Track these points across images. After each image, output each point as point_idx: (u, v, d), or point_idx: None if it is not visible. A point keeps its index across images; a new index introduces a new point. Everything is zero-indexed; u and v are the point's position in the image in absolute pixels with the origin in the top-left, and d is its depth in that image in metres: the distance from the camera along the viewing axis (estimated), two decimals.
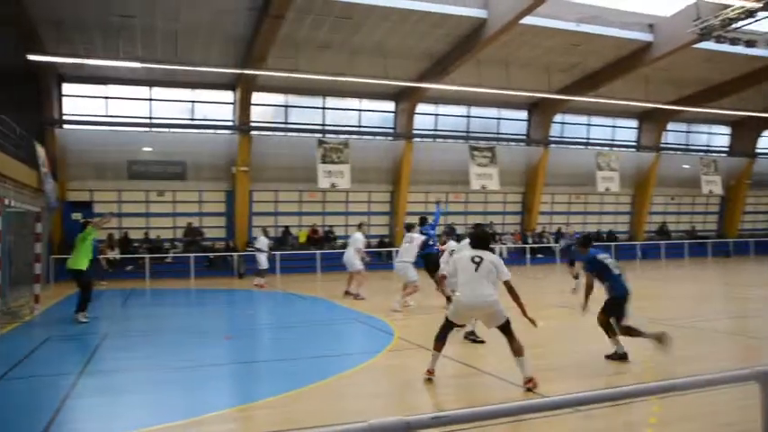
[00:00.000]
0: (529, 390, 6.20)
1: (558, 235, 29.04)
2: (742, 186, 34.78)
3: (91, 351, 8.84)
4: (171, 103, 24.68)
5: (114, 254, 22.58)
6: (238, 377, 7.69)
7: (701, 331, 10.04)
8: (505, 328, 6.62)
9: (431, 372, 6.76)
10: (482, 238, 7.28)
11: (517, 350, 6.51)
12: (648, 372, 7.28)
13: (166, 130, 24.28)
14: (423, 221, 14.20)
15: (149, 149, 24.32)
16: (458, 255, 7.52)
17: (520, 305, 6.61)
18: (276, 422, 5.46)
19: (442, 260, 10.82)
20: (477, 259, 6.76)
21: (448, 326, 6.97)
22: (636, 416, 5.22)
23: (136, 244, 23.77)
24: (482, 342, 9.00)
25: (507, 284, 6.70)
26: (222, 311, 14.69)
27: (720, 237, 34.61)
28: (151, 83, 23.84)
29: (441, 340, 6.90)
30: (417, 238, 13.16)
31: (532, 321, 6.62)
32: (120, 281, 21.14)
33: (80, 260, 11.67)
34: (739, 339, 9.61)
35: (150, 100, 24.31)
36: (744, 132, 34.64)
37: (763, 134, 35.09)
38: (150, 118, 24.23)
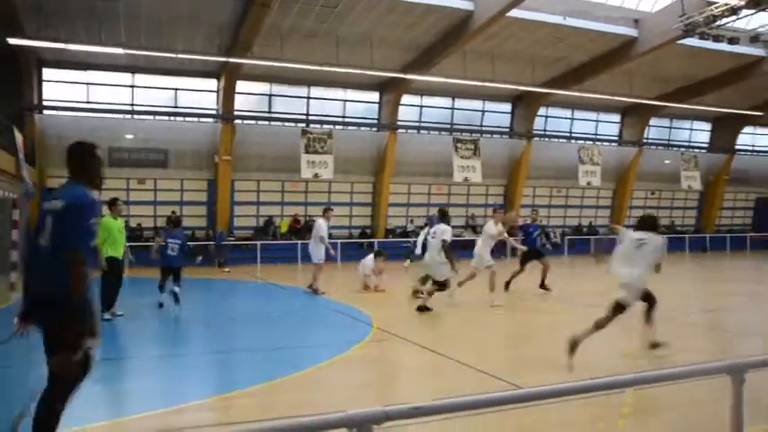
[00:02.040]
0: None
1: None
2: (720, 182, 35.20)
3: None
4: (153, 91, 24.48)
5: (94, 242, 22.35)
6: (217, 366, 7.66)
7: (677, 325, 10.17)
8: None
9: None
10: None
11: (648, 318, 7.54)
12: (623, 364, 7.36)
13: (149, 117, 24.08)
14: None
15: (131, 137, 24.11)
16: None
17: None
18: (255, 412, 5.45)
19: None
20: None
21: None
22: (610, 407, 5.28)
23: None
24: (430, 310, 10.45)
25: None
26: (201, 301, 14.60)
27: (698, 232, 35.05)
28: (133, 69, 23.62)
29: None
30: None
31: None
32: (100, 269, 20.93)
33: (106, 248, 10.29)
34: (714, 333, 9.74)
35: (132, 87, 24.10)
36: (724, 129, 35.05)
37: (742, 131, 35.52)
38: (132, 105, 24.03)
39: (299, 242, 23.56)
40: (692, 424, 5.13)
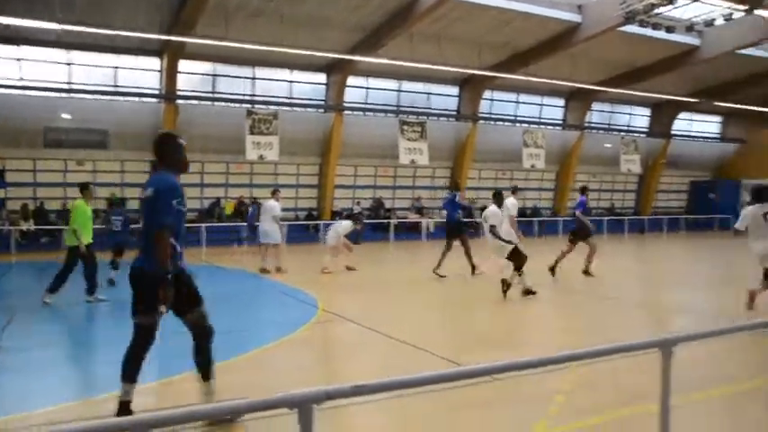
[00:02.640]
0: None
1: None
2: (658, 166, 36.39)
3: (1, 327, 8.46)
4: (92, 69, 23.55)
5: (28, 225, 21.61)
6: (158, 350, 7.49)
7: (615, 302, 10.52)
8: None
9: None
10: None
11: None
12: (561, 341, 7.58)
13: (87, 96, 23.20)
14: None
15: (68, 116, 23.19)
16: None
17: None
18: (197, 396, 5.40)
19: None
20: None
21: None
22: (550, 383, 5.44)
23: (53, 215, 22.78)
24: (535, 293, 10.45)
25: None
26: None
27: (637, 214, 36.19)
28: (70, 46, 22.64)
29: None
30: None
31: None
32: (34, 253, 20.28)
33: (69, 235, 10.40)
34: (649, 310, 10.12)
35: (69, 64, 23.14)
36: (662, 114, 36.16)
37: (679, 117, 36.75)
38: (69, 83, 23.11)
39: (245, 224, 23.24)
40: (626, 396, 5.33)
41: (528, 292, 10.54)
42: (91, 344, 7.79)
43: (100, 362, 6.89)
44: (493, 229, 10.77)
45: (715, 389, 5.56)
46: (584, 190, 14.64)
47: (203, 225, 23.28)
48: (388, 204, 29.35)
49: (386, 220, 27.57)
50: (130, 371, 4.65)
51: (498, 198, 11.20)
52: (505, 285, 10.53)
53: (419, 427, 4.74)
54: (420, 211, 29.58)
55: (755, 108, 33.60)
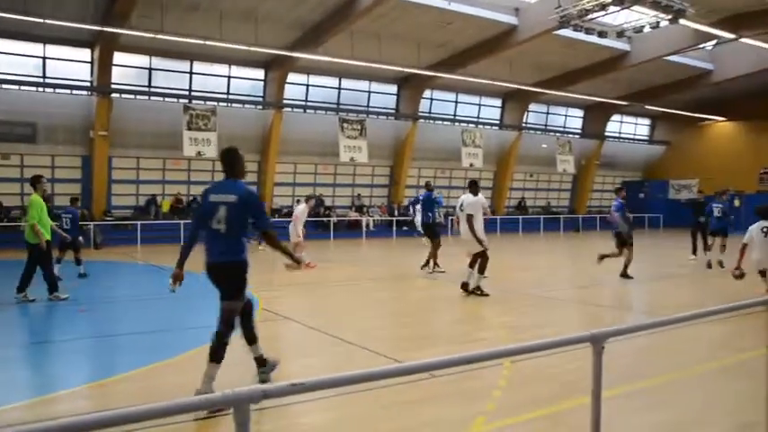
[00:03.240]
0: None
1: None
2: (591, 166, 37.55)
3: None
4: (19, 58, 22.60)
5: None
6: (94, 352, 7.32)
7: (551, 300, 10.81)
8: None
9: None
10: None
11: None
12: (500, 338, 7.74)
13: (13, 87, 22.23)
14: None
15: None
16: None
17: None
18: (134, 397, 5.29)
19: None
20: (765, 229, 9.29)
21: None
22: (488, 379, 5.55)
23: None
24: (487, 295, 10.42)
25: None
26: (76, 283, 13.83)
27: (572, 212, 37.24)
28: None
29: None
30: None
31: None
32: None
33: (28, 232, 9.97)
34: (584, 306, 10.43)
35: None
36: (595, 116, 37.32)
37: (611, 119, 38.01)
38: None
39: (182, 222, 22.80)
40: (563, 390, 5.49)
41: (474, 291, 10.62)
42: (19, 345, 7.50)
43: (27, 364, 6.66)
44: (470, 218, 10.47)
45: (655, 379, 5.79)
46: (618, 191, 14.16)
47: (138, 223, 22.75)
48: (328, 202, 29.28)
49: (326, 218, 27.51)
50: (254, 333, 5.64)
51: (474, 187, 10.88)
52: (466, 288, 10.61)
53: (360, 424, 4.77)
54: (360, 208, 29.64)
55: (680, 112, 35.16)
